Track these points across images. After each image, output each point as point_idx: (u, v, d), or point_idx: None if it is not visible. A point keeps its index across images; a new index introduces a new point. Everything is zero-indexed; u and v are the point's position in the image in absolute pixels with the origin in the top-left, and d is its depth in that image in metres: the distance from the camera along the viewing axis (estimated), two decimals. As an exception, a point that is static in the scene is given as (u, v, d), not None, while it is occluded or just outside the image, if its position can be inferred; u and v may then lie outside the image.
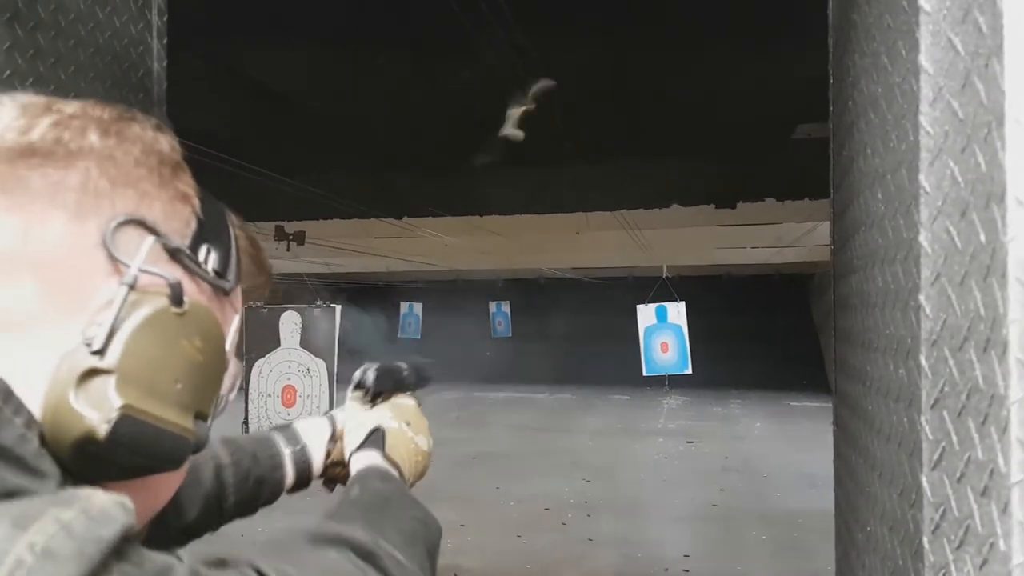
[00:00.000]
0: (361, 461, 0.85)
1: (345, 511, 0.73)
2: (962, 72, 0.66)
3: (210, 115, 4.97)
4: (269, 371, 5.75)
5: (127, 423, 0.39)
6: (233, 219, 0.52)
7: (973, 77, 0.64)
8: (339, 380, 5.73)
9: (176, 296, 0.43)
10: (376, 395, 0.94)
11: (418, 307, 17.71)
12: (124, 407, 0.39)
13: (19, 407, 0.39)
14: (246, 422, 5.75)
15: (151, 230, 0.43)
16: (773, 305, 17.10)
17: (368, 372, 0.95)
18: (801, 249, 9.91)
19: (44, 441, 0.38)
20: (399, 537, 0.68)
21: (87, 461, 0.39)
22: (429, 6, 3.40)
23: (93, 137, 0.43)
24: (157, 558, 0.37)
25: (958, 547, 0.67)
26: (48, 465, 0.38)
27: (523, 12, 3.47)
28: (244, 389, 5.82)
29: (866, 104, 0.96)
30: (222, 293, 0.49)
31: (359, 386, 0.95)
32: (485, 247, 10.15)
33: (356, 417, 0.92)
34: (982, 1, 0.62)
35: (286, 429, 0.94)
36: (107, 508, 0.35)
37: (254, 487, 0.88)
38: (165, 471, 0.44)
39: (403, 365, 1.02)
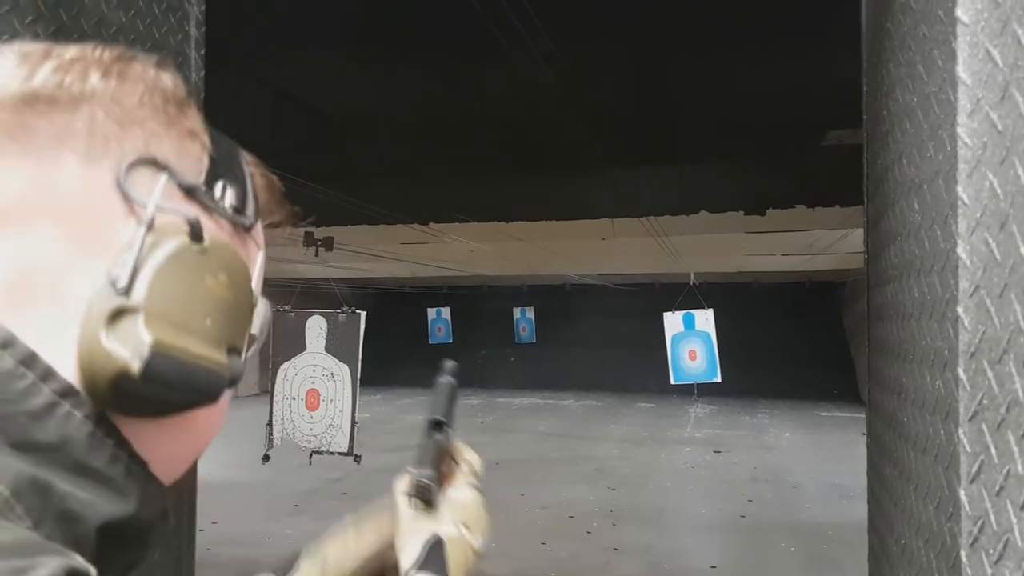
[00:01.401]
0: None
1: None
2: (1000, 84, 0.66)
3: (243, 124, 5.04)
4: (294, 374, 5.81)
5: (159, 358, 0.39)
6: (246, 156, 0.52)
7: (1012, 89, 0.64)
8: (363, 385, 5.78)
9: (196, 232, 0.42)
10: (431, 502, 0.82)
11: (446, 312, 17.77)
12: (155, 343, 0.39)
13: (111, 428, 0.40)
14: (270, 424, 5.82)
15: (163, 168, 0.43)
16: (803, 313, 16.90)
17: (424, 479, 0.81)
18: (832, 256, 9.79)
19: (85, 392, 0.39)
20: None
21: (126, 400, 0.40)
22: (457, 15, 3.43)
23: (95, 79, 0.42)
24: None
25: (996, 561, 0.66)
26: (131, 484, 0.40)
27: (551, 18, 3.48)
28: (269, 392, 5.89)
29: (901, 113, 0.95)
30: (242, 230, 0.48)
31: (417, 493, 0.82)
32: (510, 253, 10.16)
33: (410, 522, 0.81)
34: (1021, 13, 0.62)
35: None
36: None
37: None
38: (203, 405, 0.44)
39: (447, 444, 0.87)
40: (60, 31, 1.42)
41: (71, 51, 0.43)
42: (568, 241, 9.52)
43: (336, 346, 5.81)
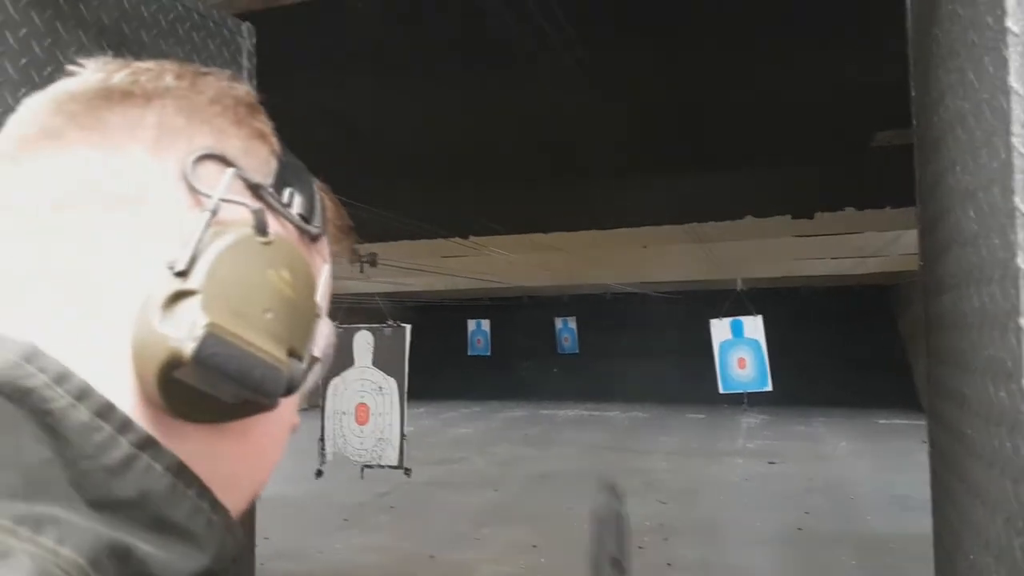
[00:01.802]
0: None
1: None
2: (1057, 90, 0.64)
3: (293, 148, 5.17)
4: (344, 389, 5.90)
5: (214, 342, 0.37)
6: (316, 181, 0.51)
7: (1069, 95, 0.62)
8: (411, 398, 5.84)
9: (260, 224, 0.41)
10: None
11: (486, 324, 17.80)
12: (210, 324, 0.37)
13: (192, 479, 0.39)
14: (322, 439, 5.91)
15: (230, 164, 0.43)
16: (856, 317, 16.52)
17: None
18: (884, 259, 9.56)
19: (136, 382, 0.38)
20: None
21: (176, 393, 0.38)
22: (491, 29, 3.46)
23: (169, 79, 0.43)
24: None
25: (1071, 580, 0.64)
26: (211, 536, 0.39)
27: (586, 27, 3.50)
28: (320, 406, 5.98)
29: (952, 120, 0.94)
30: (308, 238, 0.47)
31: None
32: (550, 263, 10.17)
33: None
34: (1076, 20, 0.60)
35: None
36: None
37: None
38: (260, 407, 0.41)
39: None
40: (119, 67, 1.49)
41: (149, 62, 0.45)
42: (609, 250, 9.48)
43: (383, 360, 5.89)
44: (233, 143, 0.44)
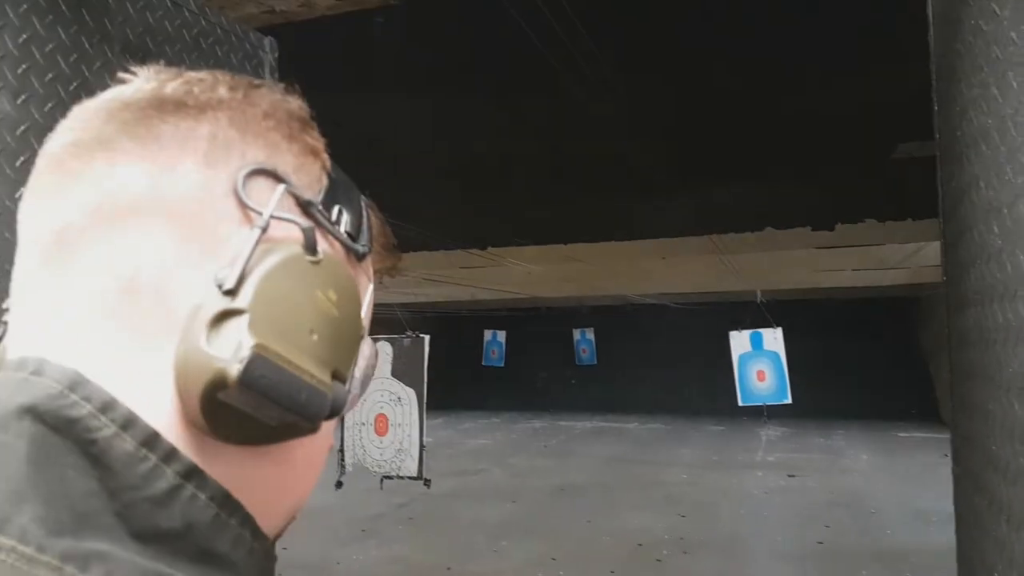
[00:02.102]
0: None
1: None
2: (1083, 106, 0.64)
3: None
4: (363, 400, 5.89)
5: (260, 364, 0.36)
6: (364, 199, 0.51)
7: (1095, 111, 0.62)
8: (429, 409, 5.84)
9: (310, 243, 0.41)
10: None
11: (502, 335, 17.76)
12: (257, 346, 0.36)
13: (235, 508, 0.39)
14: (341, 450, 5.93)
15: (282, 180, 0.42)
16: (877, 329, 16.34)
17: None
18: (906, 271, 9.46)
19: (178, 403, 0.37)
20: None
21: (220, 414, 0.37)
22: (513, 44, 3.49)
23: (222, 90, 0.43)
24: None
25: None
26: (251, 566, 0.39)
27: (611, 46, 3.51)
28: (339, 418, 6.00)
29: (976, 135, 0.93)
30: (355, 257, 0.47)
31: None
32: (568, 274, 10.16)
33: None
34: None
35: None
36: None
37: None
38: (303, 429, 0.40)
39: None
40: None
41: (202, 73, 0.44)
42: (628, 261, 9.46)
43: (402, 371, 5.89)
44: (285, 158, 0.43)
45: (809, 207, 6.83)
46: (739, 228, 7.36)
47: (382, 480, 5.76)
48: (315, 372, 0.39)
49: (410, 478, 5.66)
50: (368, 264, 0.50)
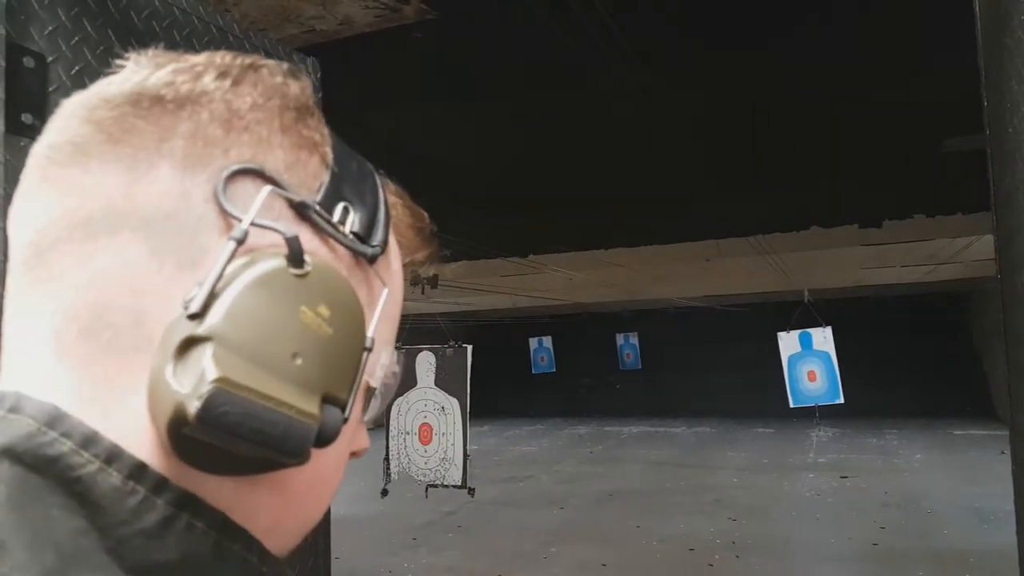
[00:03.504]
0: None
1: None
2: None
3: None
4: (407, 409, 5.98)
5: (223, 399, 0.32)
6: (389, 185, 0.46)
7: None
8: (474, 417, 5.88)
9: (295, 254, 0.36)
10: None
11: (548, 341, 17.76)
12: (219, 379, 0.32)
13: (237, 533, 0.37)
14: (387, 458, 6.00)
15: (269, 180, 0.37)
16: (928, 326, 15.94)
17: None
18: (957, 266, 9.22)
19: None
20: None
21: (189, 449, 0.34)
22: (552, 54, 3.50)
23: (207, 79, 0.38)
24: None
25: None
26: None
27: (645, 48, 3.51)
28: (384, 426, 6.08)
29: (1028, 131, 0.92)
30: (364, 261, 0.41)
31: None
32: (610, 279, 10.13)
33: None
34: None
35: None
36: None
37: None
38: (282, 463, 0.35)
39: None
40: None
41: (201, 56, 0.40)
42: (670, 264, 9.41)
43: (445, 380, 5.94)
44: (276, 154, 0.38)
45: (856, 204, 6.71)
46: (784, 228, 7.26)
47: (427, 489, 5.81)
48: (295, 402, 0.35)
49: (455, 487, 5.70)
50: (388, 262, 0.45)
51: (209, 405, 0.32)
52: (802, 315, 8.50)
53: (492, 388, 16.36)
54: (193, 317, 0.33)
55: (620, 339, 17.96)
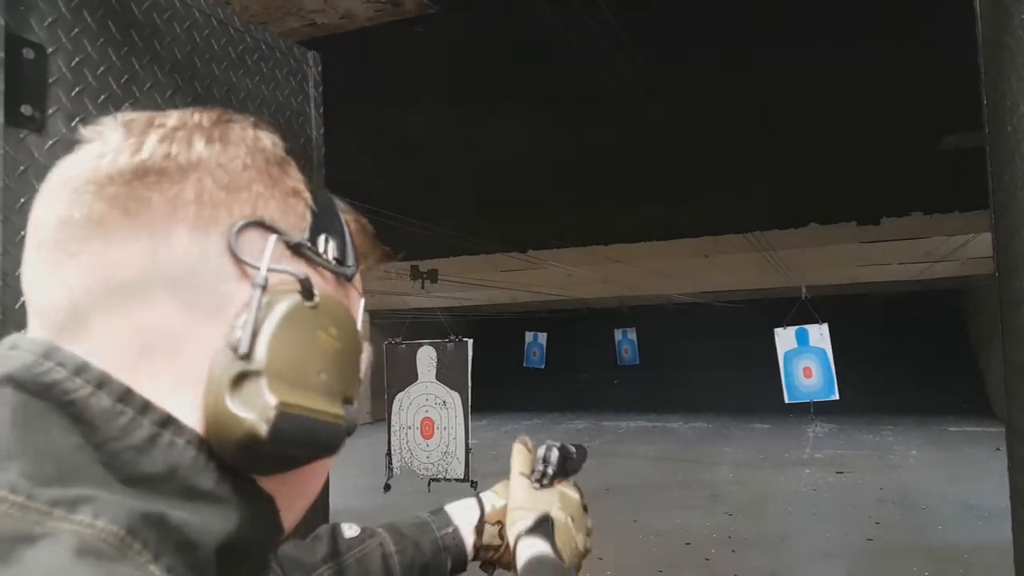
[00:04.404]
0: (531, 548, 0.82)
1: None
2: None
3: (359, 172, 5.31)
4: (408, 404, 5.98)
5: (284, 419, 0.40)
6: (340, 204, 0.53)
7: None
8: (473, 411, 5.88)
9: (307, 290, 0.43)
10: (550, 479, 0.91)
11: (542, 336, 17.75)
12: (280, 404, 0.40)
13: (212, 451, 0.41)
14: (389, 453, 6.00)
15: (271, 229, 0.44)
16: (924, 323, 15.96)
17: (552, 452, 0.92)
18: (953, 263, 9.24)
19: (212, 450, 0.40)
20: None
21: (253, 459, 0.41)
22: (553, 51, 3.50)
23: (200, 147, 0.43)
24: None
25: None
26: (241, 501, 0.42)
27: (645, 43, 3.50)
28: (387, 421, 6.08)
29: (1028, 129, 0.92)
30: (345, 279, 0.50)
31: (543, 463, 0.92)
32: (609, 275, 10.14)
33: (523, 496, 0.90)
34: None
35: (438, 513, 0.95)
36: None
37: (420, 574, 0.88)
38: (323, 458, 0.45)
39: (573, 448, 0.96)
40: (196, 101, 1.55)
41: (172, 118, 0.44)
42: (669, 260, 9.41)
43: (446, 374, 5.94)
44: (271, 205, 0.45)
45: (854, 201, 6.71)
46: (782, 224, 7.26)
47: (429, 483, 5.81)
48: (330, 409, 0.44)
49: (457, 480, 5.71)
50: (357, 277, 0.52)
51: (276, 425, 0.40)
52: (799, 311, 8.52)
53: (491, 383, 16.37)
54: (243, 357, 0.40)
55: (618, 334, 17.97)
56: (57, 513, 0.34)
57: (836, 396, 8.18)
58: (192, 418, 0.41)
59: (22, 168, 1.16)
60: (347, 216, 0.52)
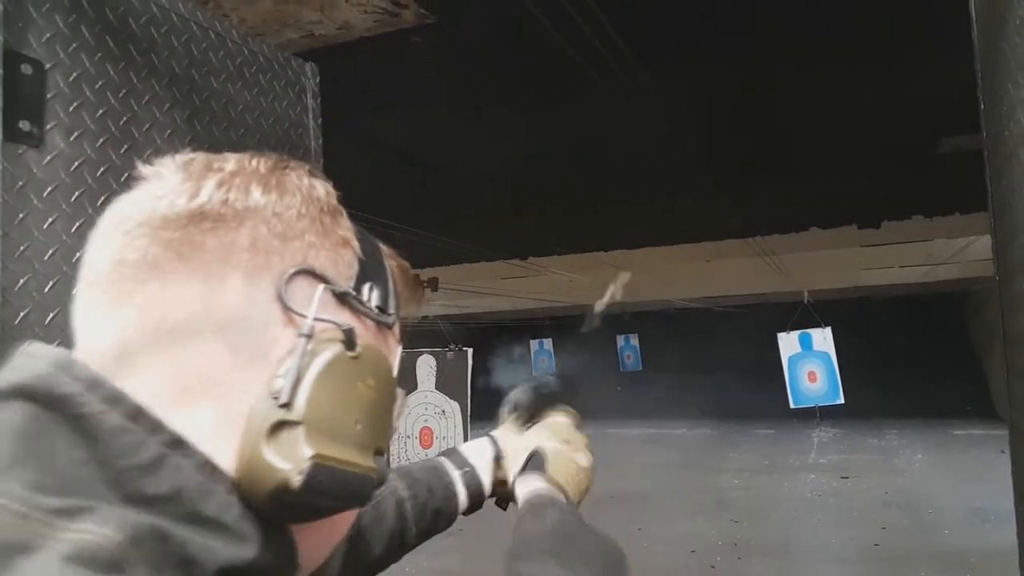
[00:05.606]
0: (526, 486, 0.86)
1: (530, 548, 0.74)
2: None
3: (357, 181, 5.31)
4: (407, 413, 5.95)
5: (318, 471, 0.40)
6: (385, 250, 0.54)
7: None
8: (473, 420, 5.87)
9: (350, 341, 0.44)
10: (531, 417, 0.94)
11: (548, 343, 17.71)
12: (315, 456, 0.40)
13: (220, 475, 0.41)
14: (387, 462, 5.99)
15: (320, 278, 0.44)
16: (927, 326, 15.92)
17: (521, 395, 0.95)
18: (955, 266, 9.22)
19: (241, 493, 0.40)
20: (591, 572, 0.70)
21: (282, 507, 0.41)
22: (548, 56, 3.50)
23: (256, 194, 0.44)
24: None
25: None
26: (249, 528, 0.41)
27: (647, 52, 3.50)
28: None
29: (1024, 134, 0.92)
30: (385, 327, 0.50)
31: (513, 408, 0.95)
32: (610, 281, 10.09)
33: (513, 441, 0.92)
34: None
35: (453, 453, 0.96)
36: None
37: (432, 518, 0.90)
38: (353, 508, 0.46)
39: (551, 379, 1.00)
40: (194, 114, 1.56)
41: (230, 163, 0.45)
42: (671, 266, 9.40)
43: (445, 384, 5.92)
44: (321, 255, 0.45)
45: (854, 205, 6.71)
46: (783, 229, 7.26)
47: (430, 491, 5.79)
48: (362, 461, 0.44)
49: (457, 490, 5.68)
50: (396, 326, 0.52)
51: (309, 477, 0.40)
52: (802, 316, 8.50)
53: (492, 391, 16.26)
54: (283, 406, 0.41)
55: (621, 341, 17.91)
56: (58, 523, 0.34)
57: (841, 400, 8.16)
58: (227, 460, 0.41)
59: (20, 183, 1.16)
60: (390, 261, 0.53)
